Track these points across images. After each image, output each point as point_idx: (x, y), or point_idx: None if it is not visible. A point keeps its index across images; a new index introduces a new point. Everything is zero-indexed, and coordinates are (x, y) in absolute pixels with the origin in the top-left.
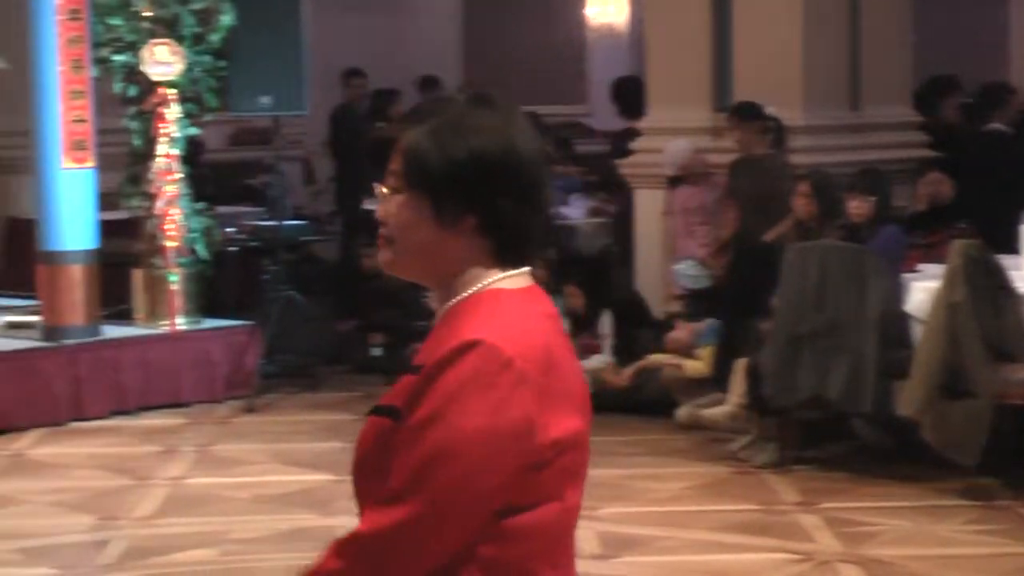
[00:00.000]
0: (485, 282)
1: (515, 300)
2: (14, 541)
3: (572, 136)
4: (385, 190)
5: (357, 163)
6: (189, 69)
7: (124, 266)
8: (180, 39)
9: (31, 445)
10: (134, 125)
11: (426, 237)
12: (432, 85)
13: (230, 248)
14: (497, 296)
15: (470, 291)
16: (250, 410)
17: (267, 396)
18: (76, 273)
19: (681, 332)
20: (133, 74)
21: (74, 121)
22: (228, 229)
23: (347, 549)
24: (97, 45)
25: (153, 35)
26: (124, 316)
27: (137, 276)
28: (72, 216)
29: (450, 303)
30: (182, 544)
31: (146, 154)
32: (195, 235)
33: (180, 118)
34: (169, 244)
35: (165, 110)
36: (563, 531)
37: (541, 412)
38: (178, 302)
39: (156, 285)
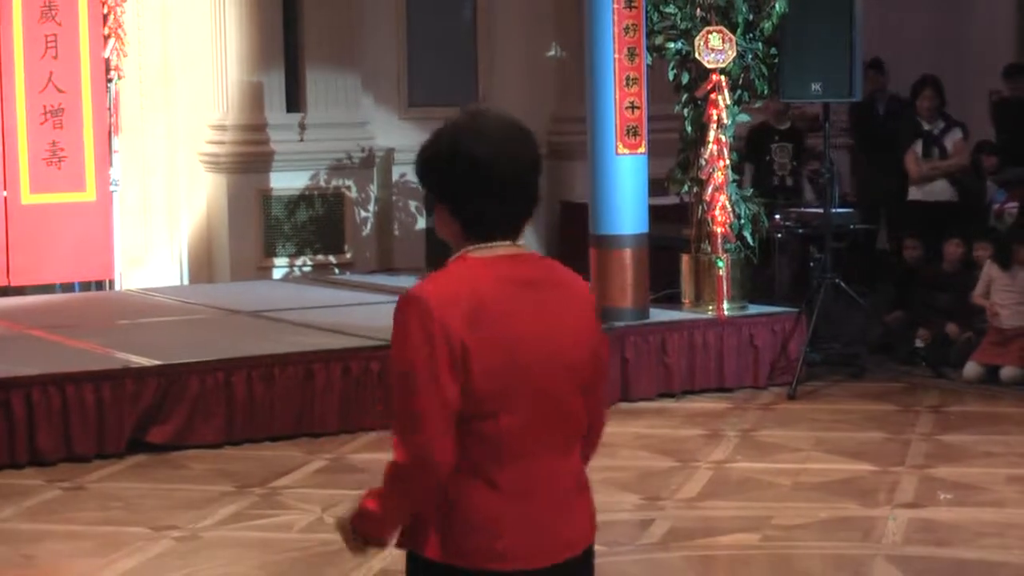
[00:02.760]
0: (460, 251)
1: (472, 264)
2: None
3: None
4: None
5: (876, 155)
6: (741, 56)
7: (672, 251)
8: (733, 26)
9: None
10: (686, 112)
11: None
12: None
13: (777, 235)
14: (460, 261)
15: (451, 258)
16: (793, 397)
17: (811, 384)
18: (626, 257)
19: None
20: (686, 61)
21: (628, 108)
22: (776, 216)
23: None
24: (651, 33)
25: (707, 23)
26: (671, 300)
27: (685, 261)
28: (624, 201)
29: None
30: (724, 527)
31: (697, 141)
32: (743, 221)
33: (731, 105)
34: (717, 230)
35: (717, 97)
36: (505, 440)
37: (458, 332)
38: (725, 288)
39: (703, 270)
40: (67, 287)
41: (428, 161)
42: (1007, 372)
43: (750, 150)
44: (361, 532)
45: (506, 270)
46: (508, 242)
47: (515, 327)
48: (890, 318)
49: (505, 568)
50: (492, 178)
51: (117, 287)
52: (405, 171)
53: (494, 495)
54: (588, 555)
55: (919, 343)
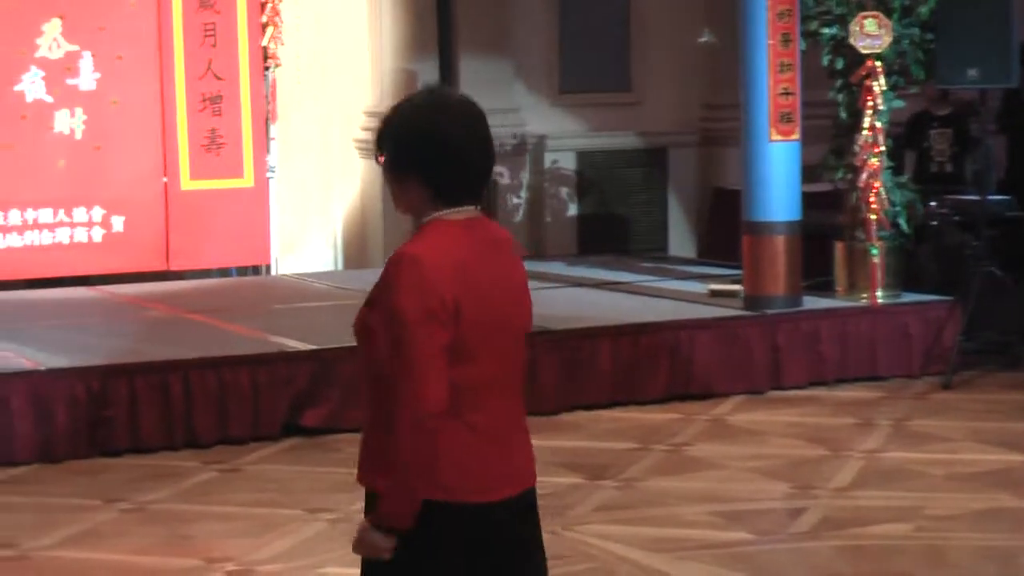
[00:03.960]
0: (431, 216)
1: (450, 227)
2: (714, 505)
3: None
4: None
5: None
6: (896, 41)
7: (825, 238)
8: (888, 12)
9: (731, 411)
10: (840, 98)
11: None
12: None
13: (932, 223)
14: (438, 224)
15: (422, 221)
16: (947, 386)
17: (965, 373)
18: (779, 244)
19: None
20: (840, 47)
21: (781, 94)
22: (931, 203)
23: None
24: (806, 19)
25: (862, 8)
26: (824, 288)
27: (839, 248)
28: (777, 188)
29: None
30: (876, 517)
31: (851, 127)
32: (897, 208)
33: (886, 90)
34: (871, 217)
35: (872, 83)
36: (482, 386)
37: (450, 287)
38: (879, 276)
39: (857, 258)
40: (223, 272)
41: (402, 137)
42: None
43: (910, 137)
44: (386, 521)
45: (479, 232)
46: (473, 207)
47: (490, 283)
48: None
49: (488, 499)
50: (463, 148)
51: (272, 272)
52: (557, 158)
53: (472, 436)
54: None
55: None
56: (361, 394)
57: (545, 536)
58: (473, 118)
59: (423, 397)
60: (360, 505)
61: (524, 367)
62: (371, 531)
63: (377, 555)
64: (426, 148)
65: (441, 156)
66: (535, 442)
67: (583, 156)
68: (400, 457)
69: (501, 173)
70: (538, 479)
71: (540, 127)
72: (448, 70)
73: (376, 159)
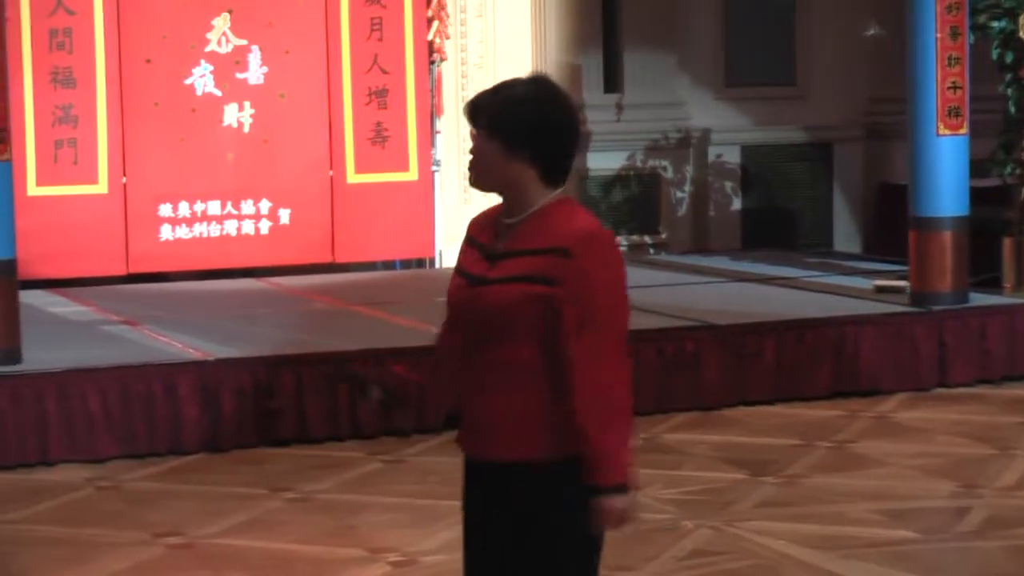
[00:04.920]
0: (550, 196)
1: (575, 206)
2: (879, 503)
3: None
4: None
5: None
6: None
7: (993, 234)
8: None
9: (896, 408)
10: (1009, 92)
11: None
12: None
13: None
14: (564, 203)
15: (542, 202)
16: None
17: None
18: (946, 240)
19: None
20: (1010, 40)
21: (949, 88)
22: None
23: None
24: (975, 12)
25: None
26: (992, 284)
27: (1007, 245)
28: (945, 183)
29: (531, 209)
30: None
31: (1020, 121)
32: None
33: None
34: None
35: None
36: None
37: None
38: None
39: None
40: (388, 265)
41: (525, 119)
42: None
43: None
44: (628, 478)
45: None
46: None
47: None
48: None
49: None
50: (574, 138)
51: (437, 265)
52: (722, 151)
53: None
54: None
55: None
56: (494, 371)
57: (706, 531)
58: (576, 111)
59: (631, 365)
60: None
61: None
62: (618, 497)
63: (631, 519)
64: (546, 132)
65: (557, 142)
66: (697, 436)
67: (747, 150)
68: (627, 413)
69: (664, 167)
70: (700, 473)
71: (705, 121)
72: (613, 64)
73: (473, 129)
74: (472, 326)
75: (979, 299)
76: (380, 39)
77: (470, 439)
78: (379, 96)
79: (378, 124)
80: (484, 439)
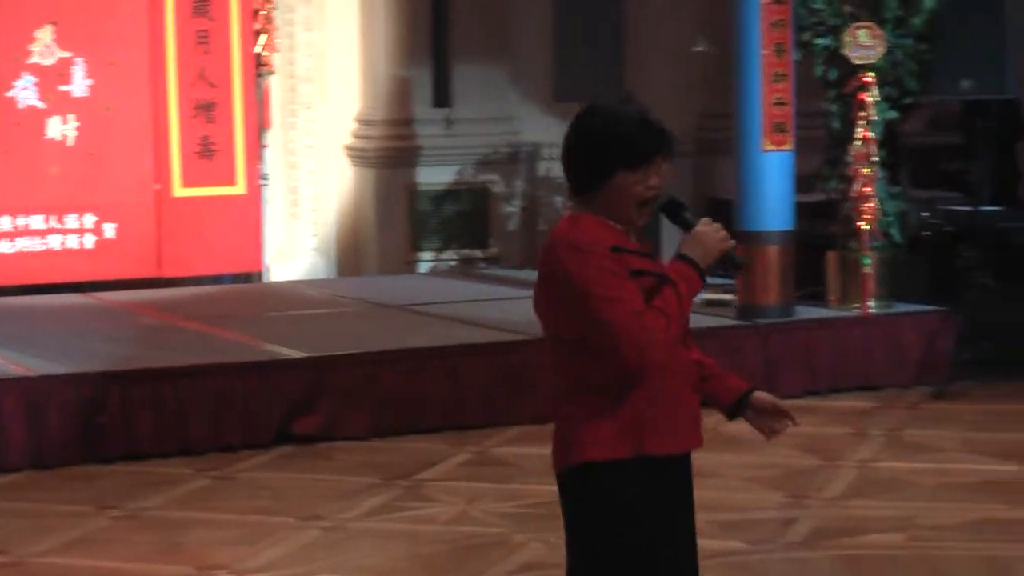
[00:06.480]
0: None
1: None
2: (712, 514)
3: None
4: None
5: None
6: (890, 52)
7: (819, 248)
8: (882, 22)
9: (725, 420)
10: (833, 108)
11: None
12: None
13: (924, 233)
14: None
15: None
16: (940, 397)
17: (959, 383)
18: (772, 254)
19: None
20: (834, 57)
21: (775, 104)
22: (923, 214)
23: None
24: (800, 29)
25: (855, 18)
26: (817, 297)
27: (831, 258)
28: (771, 198)
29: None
30: (870, 527)
31: (844, 137)
32: (890, 219)
33: (879, 101)
34: (864, 227)
35: (865, 93)
36: None
37: None
38: (871, 285)
39: (850, 268)
40: (216, 279)
41: (632, 135)
42: None
43: None
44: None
45: None
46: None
47: None
48: None
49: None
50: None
51: (265, 279)
52: (551, 166)
53: None
54: None
55: None
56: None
57: (538, 545)
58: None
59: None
60: (350, 514)
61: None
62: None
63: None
64: (643, 147)
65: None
66: (530, 450)
67: None
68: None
69: (494, 181)
70: (532, 487)
71: (535, 135)
72: (442, 77)
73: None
74: (682, 323)
75: (805, 312)
76: (207, 52)
77: (679, 433)
78: (206, 109)
79: (205, 137)
80: (693, 430)
